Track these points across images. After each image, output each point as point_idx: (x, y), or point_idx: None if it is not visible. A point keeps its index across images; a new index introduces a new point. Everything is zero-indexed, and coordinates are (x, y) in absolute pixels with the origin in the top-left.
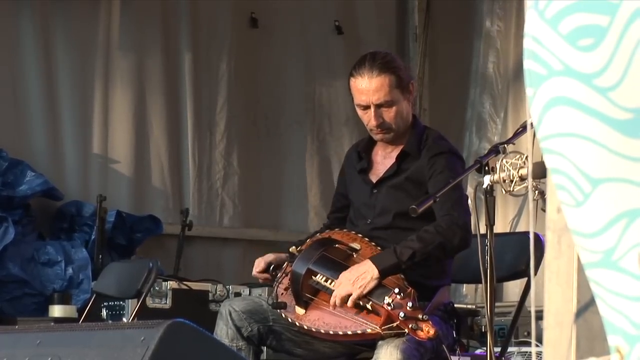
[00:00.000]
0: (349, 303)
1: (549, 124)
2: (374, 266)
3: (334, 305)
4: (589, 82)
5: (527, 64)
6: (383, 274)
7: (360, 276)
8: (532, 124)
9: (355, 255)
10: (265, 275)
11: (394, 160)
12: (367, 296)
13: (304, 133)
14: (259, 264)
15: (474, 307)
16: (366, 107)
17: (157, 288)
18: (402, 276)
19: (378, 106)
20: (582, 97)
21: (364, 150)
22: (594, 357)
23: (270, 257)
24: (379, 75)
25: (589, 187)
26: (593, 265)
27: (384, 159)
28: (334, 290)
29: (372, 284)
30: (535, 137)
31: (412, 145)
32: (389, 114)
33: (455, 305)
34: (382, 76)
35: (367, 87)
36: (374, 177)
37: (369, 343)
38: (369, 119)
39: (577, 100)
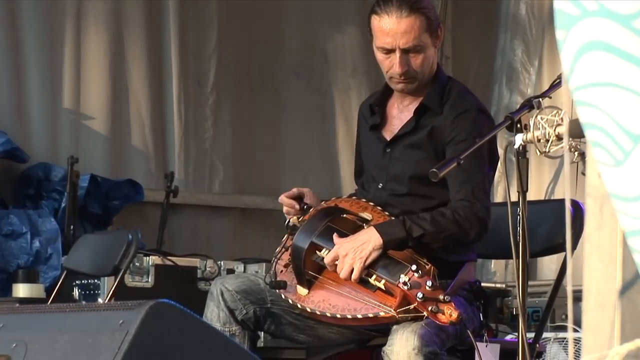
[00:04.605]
0: (354, 277)
1: (582, 72)
2: (378, 235)
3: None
4: (627, 24)
5: (557, 3)
6: (387, 245)
7: (359, 246)
8: None
9: (365, 227)
10: (293, 202)
11: (412, 114)
12: (370, 269)
13: (304, 85)
14: (292, 191)
15: (503, 286)
16: (390, 51)
17: (137, 264)
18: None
19: (405, 51)
20: (620, 41)
21: (377, 103)
22: None
23: (305, 190)
24: (409, 15)
25: (630, 144)
26: (636, 234)
27: (400, 113)
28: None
29: (375, 254)
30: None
31: (433, 98)
32: (415, 61)
33: (482, 284)
34: (413, 17)
35: (395, 28)
36: (388, 134)
37: (382, 328)
38: (391, 64)
39: (614, 45)
